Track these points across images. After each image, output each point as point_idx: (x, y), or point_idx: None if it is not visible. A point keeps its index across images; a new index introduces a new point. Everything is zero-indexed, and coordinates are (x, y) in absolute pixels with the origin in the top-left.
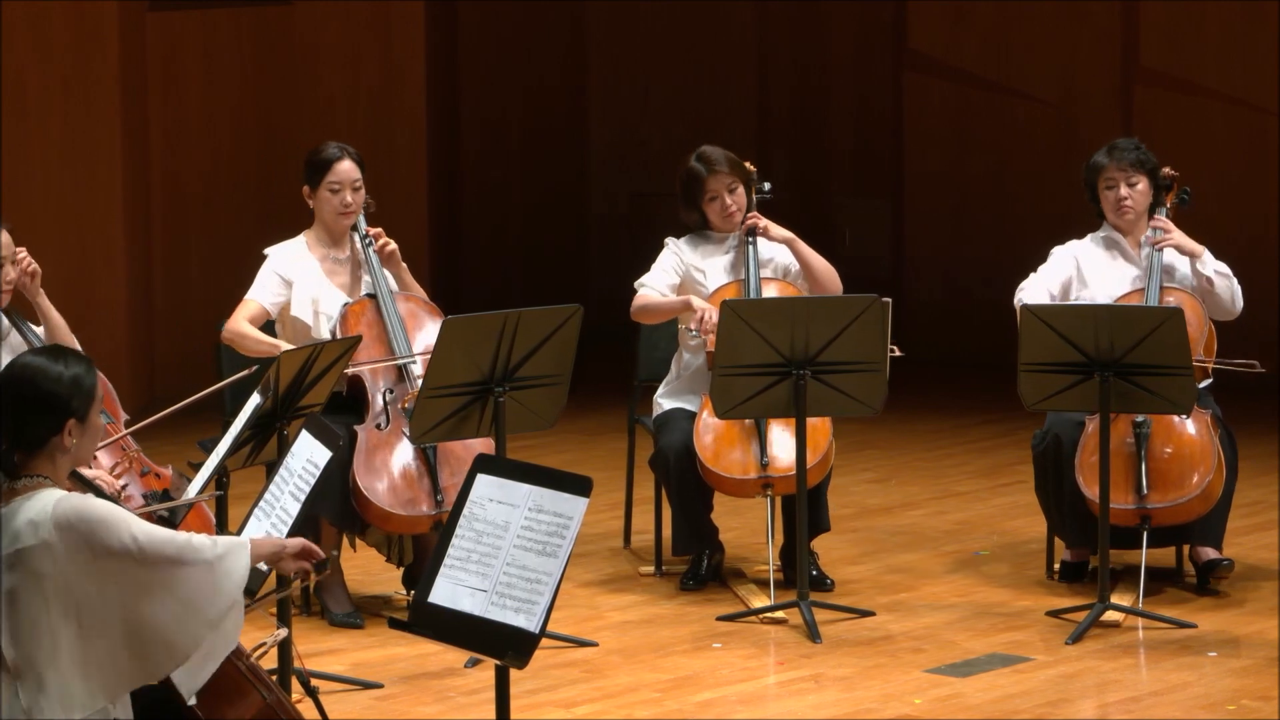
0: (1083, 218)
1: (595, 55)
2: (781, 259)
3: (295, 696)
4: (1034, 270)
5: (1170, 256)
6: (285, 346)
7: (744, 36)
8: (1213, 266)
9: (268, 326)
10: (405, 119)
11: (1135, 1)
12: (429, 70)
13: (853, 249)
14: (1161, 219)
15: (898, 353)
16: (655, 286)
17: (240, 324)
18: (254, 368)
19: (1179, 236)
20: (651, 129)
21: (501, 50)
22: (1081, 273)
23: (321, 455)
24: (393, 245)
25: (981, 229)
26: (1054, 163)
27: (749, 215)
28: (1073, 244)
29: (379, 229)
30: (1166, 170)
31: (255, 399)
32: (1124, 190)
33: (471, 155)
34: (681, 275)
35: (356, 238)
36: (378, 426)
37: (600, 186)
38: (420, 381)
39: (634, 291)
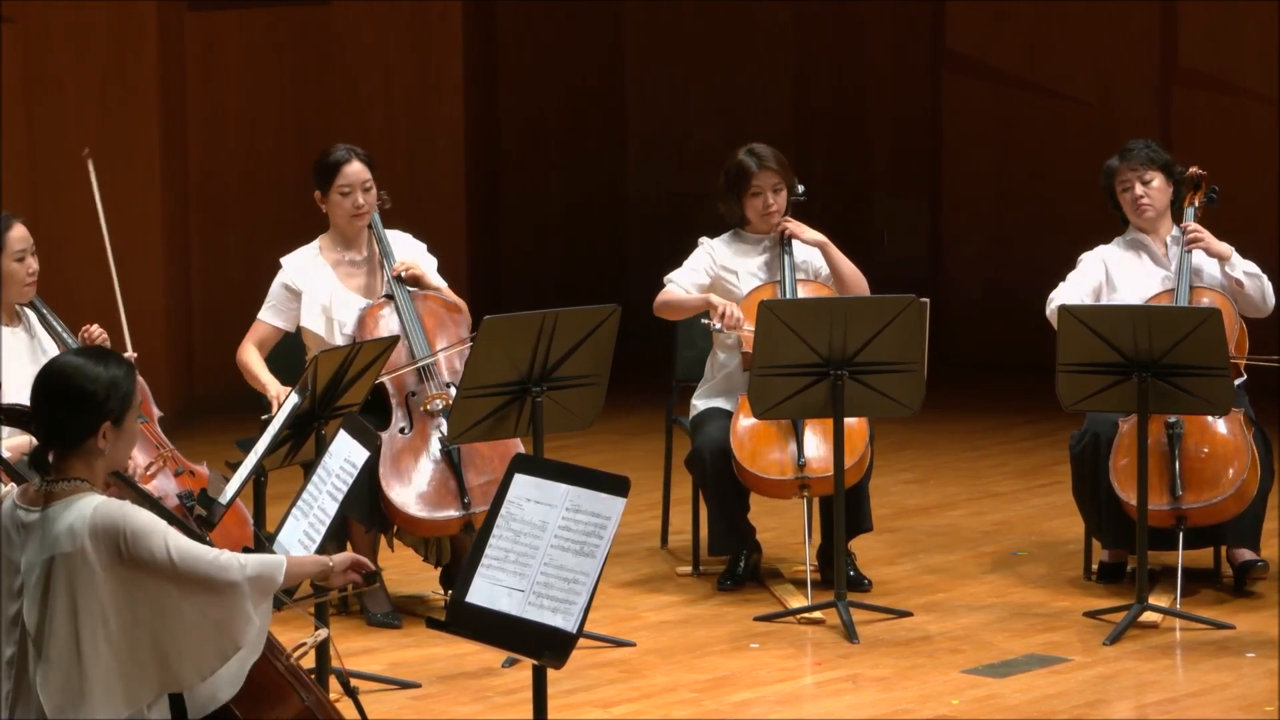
0: (1121, 218)
1: (633, 56)
2: (814, 262)
3: (334, 696)
4: (1071, 270)
5: (1199, 258)
6: (272, 389)
7: (782, 37)
8: (1241, 268)
9: (288, 340)
10: (443, 119)
11: (1174, 2)
12: (467, 70)
13: (891, 250)
14: (1191, 224)
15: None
16: (681, 283)
17: (246, 352)
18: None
19: (1208, 240)
20: (689, 129)
21: (539, 51)
22: (1110, 277)
23: (359, 455)
24: (418, 272)
25: (1020, 230)
26: (1092, 163)
27: (781, 219)
28: (1100, 249)
29: (404, 265)
30: (1194, 169)
31: (293, 398)
32: (1139, 189)
33: (510, 156)
34: (712, 276)
35: (375, 241)
36: (401, 431)
37: (638, 187)
38: (444, 382)
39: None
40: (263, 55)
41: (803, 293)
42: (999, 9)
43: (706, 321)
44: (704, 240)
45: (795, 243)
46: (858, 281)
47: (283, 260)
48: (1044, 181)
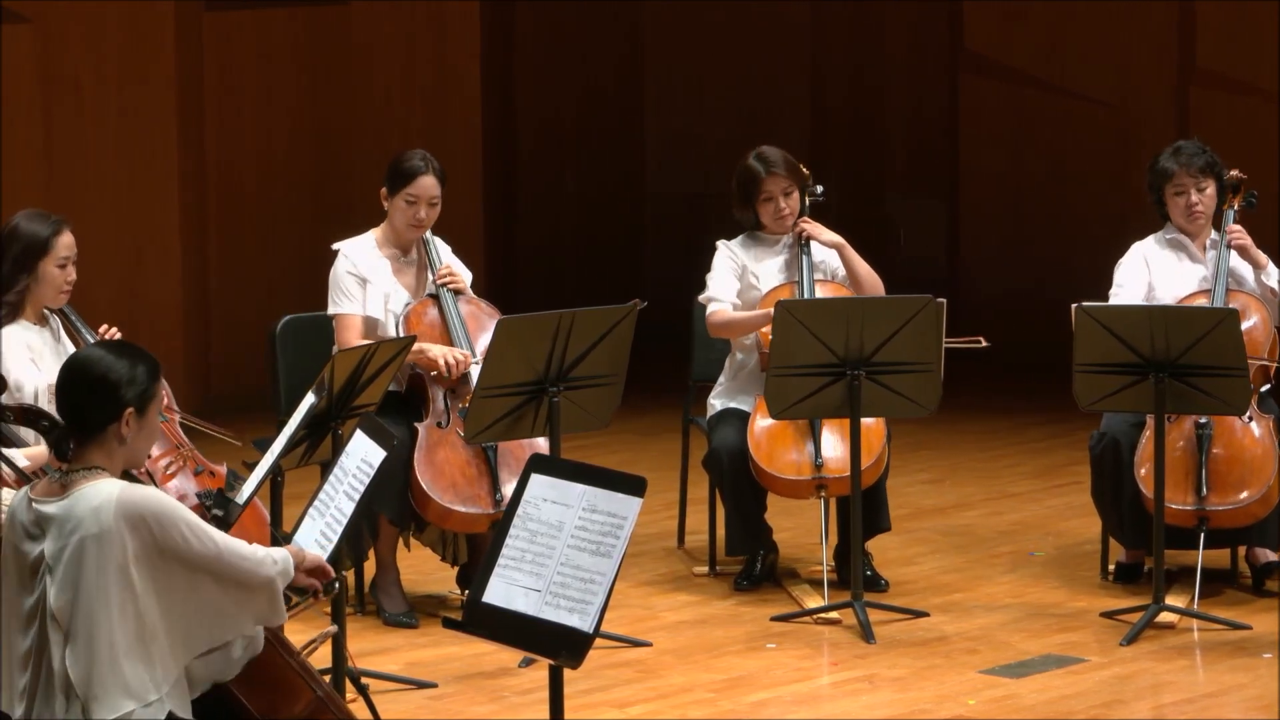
0: (1139, 218)
1: (650, 55)
2: (832, 262)
3: (349, 696)
4: (1085, 275)
5: (1236, 262)
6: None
7: (799, 37)
8: (1276, 277)
9: (318, 330)
10: (460, 119)
11: (1192, 2)
12: (484, 70)
13: (908, 249)
14: (1235, 226)
15: (984, 343)
16: (726, 299)
17: (357, 344)
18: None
19: (1250, 245)
20: (706, 129)
21: (557, 50)
22: (1151, 275)
23: (376, 455)
24: (459, 282)
25: (1037, 229)
26: (1110, 163)
27: (799, 220)
28: (1138, 247)
29: (447, 269)
30: (1235, 173)
31: (310, 399)
32: (1194, 196)
33: (526, 155)
34: (739, 279)
35: (425, 253)
36: (438, 424)
37: (655, 186)
38: None
39: (692, 297)
40: (280, 55)
41: (820, 293)
42: (1016, 9)
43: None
44: (721, 243)
45: (813, 243)
46: (874, 284)
47: (340, 246)
48: (1061, 181)
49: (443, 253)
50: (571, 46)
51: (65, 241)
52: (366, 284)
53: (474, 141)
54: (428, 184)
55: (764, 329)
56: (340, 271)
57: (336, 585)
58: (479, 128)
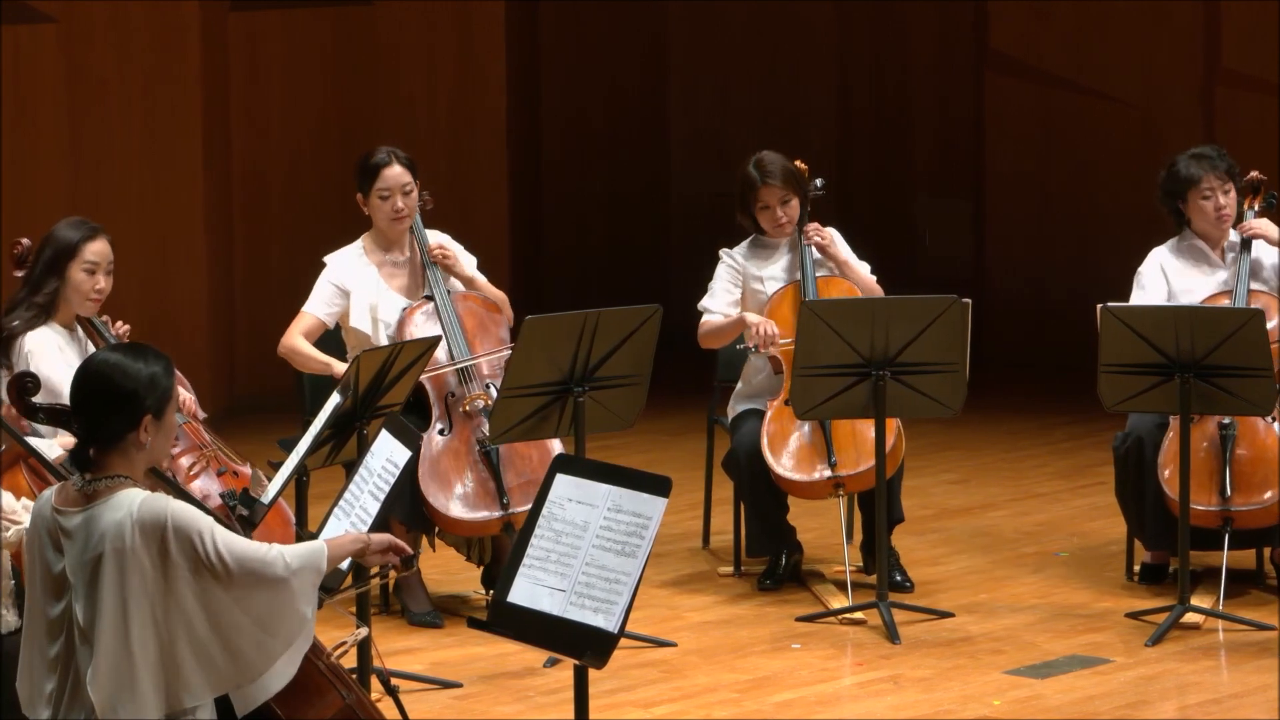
0: (1163, 219)
1: (676, 56)
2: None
3: (375, 695)
4: (1110, 276)
5: (1257, 251)
6: (338, 366)
7: (824, 37)
8: None
9: (328, 338)
10: (486, 119)
11: (1217, 2)
12: (510, 70)
13: (934, 249)
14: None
15: None
16: (717, 309)
17: (295, 339)
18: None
19: (1267, 227)
20: (732, 129)
21: (582, 50)
22: (1170, 286)
23: (401, 455)
24: (451, 257)
25: (1062, 230)
26: (1135, 163)
27: (813, 228)
28: (1155, 255)
29: (439, 245)
30: (1255, 174)
31: (335, 398)
32: (1222, 199)
33: (552, 156)
34: (741, 287)
35: (417, 243)
36: (440, 432)
37: (680, 187)
38: (484, 383)
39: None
40: (306, 55)
41: (828, 289)
42: (1042, 9)
43: (742, 346)
44: (724, 252)
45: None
46: (871, 289)
47: (327, 259)
48: (1086, 181)
49: (444, 241)
50: (596, 47)
51: (95, 248)
52: (350, 295)
53: (499, 143)
54: (395, 174)
55: (784, 347)
56: (322, 278)
57: (415, 561)
58: (504, 128)
